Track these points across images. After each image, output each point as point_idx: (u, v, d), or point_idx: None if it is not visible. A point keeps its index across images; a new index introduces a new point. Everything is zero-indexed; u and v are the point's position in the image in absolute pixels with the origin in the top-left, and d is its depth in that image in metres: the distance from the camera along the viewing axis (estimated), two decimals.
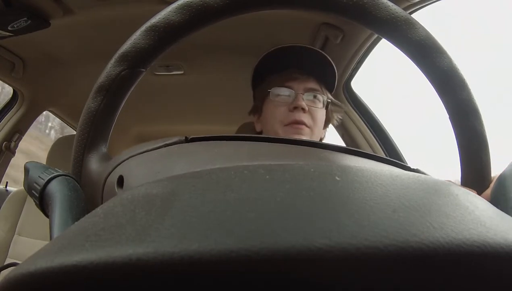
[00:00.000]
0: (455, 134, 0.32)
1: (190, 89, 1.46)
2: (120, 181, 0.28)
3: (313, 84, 0.76)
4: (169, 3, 0.29)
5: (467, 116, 0.30)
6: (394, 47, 0.32)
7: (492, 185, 0.30)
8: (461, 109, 0.30)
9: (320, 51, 0.77)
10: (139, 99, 1.41)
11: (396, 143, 1.22)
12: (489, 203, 0.18)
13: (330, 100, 0.79)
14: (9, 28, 0.98)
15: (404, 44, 0.30)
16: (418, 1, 0.83)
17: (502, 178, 0.26)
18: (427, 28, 0.30)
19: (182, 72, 1.30)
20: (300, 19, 0.99)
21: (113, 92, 0.30)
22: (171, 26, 0.28)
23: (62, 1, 0.94)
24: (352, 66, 1.13)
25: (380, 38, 1.00)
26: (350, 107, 1.25)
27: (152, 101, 1.55)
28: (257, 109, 0.82)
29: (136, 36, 0.29)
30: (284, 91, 0.75)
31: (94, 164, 0.31)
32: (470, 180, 0.32)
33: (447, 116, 0.32)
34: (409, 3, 0.83)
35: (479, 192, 0.31)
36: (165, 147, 0.28)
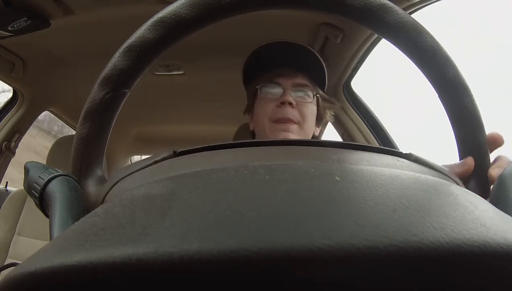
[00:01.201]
0: (446, 113, 0.31)
1: (190, 89, 1.46)
2: None
3: (301, 80, 0.76)
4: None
5: (456, 92, 0.30)
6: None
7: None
8: (449, 86, 0.30)
9: (308, 47, 0.77)
10: (139, 100, 1.41)
11: (396, 143, 1.23)
12: (489, 203, 0.18)
13: (320, 96, 0.78)
14: (9, 28, 0.98)
15: (382, 28, 0.30)
16: (418, 1, 0.83)
17: (502, 178, 0.26)
18: (409, 13, 0.30)
19: (182, 72, 1.30)
20: (300, 19, 0.99)
21: (100, 116, 0.30)
22: (148, 44, 0.28)
23: (62, 1, 0.94)
24: (352, 66, 1.13)
25: (380, 38, 1.00)
26: (350, 107, 1.25)
27: (152, 101, 1.55)
28: (249, 108, 0.83)
29: (115, 58, 0.29)
30: (272, 88, 0.75)
31: (91, 187, 0.31)
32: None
33: (436, 94, 0.31)
34: (409, 3, 0.83)
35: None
36: (154, 164, 0.28)
